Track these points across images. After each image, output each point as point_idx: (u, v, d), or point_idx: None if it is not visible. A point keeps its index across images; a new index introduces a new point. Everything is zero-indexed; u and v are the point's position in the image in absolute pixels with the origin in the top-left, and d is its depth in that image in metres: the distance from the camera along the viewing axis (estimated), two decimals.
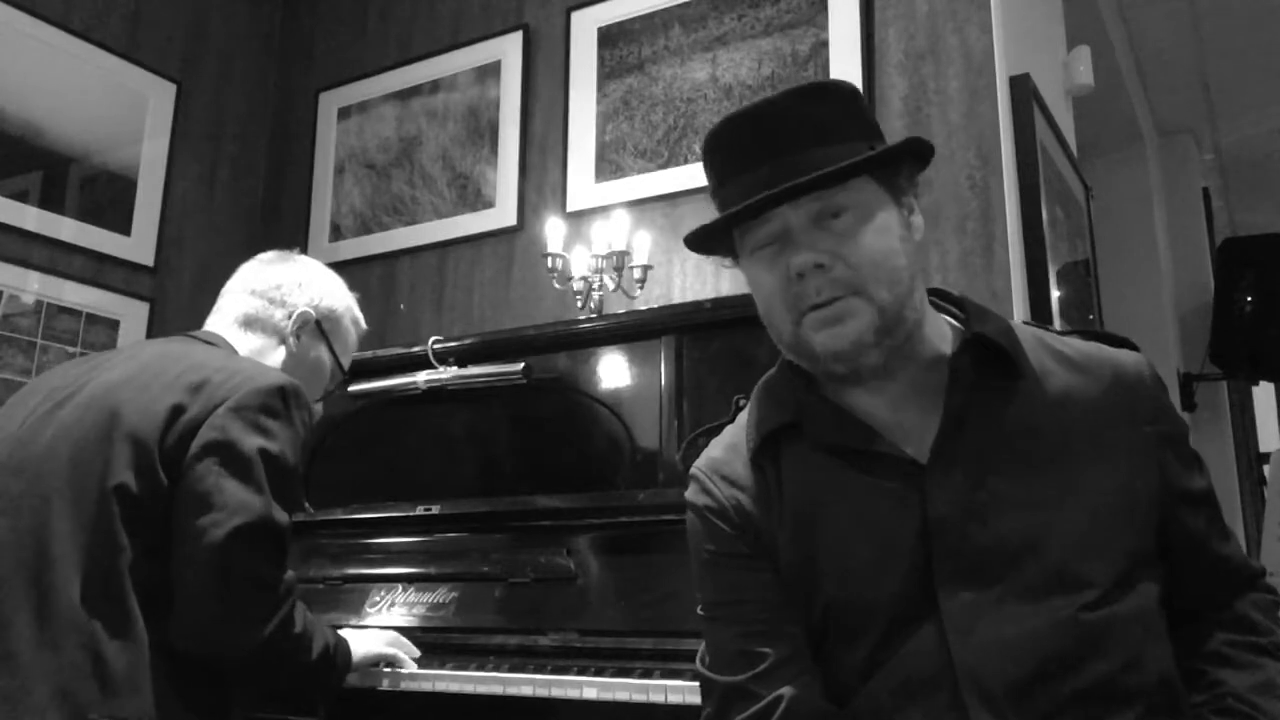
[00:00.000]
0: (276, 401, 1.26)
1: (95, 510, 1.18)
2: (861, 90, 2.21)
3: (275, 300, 1.48)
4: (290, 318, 1.47)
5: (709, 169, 1.03)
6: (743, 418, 1.09)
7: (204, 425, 1.21)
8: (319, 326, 1.50)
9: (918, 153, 0.99)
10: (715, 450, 1.09)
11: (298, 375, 1.42)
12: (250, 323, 1.46)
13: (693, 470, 1.08)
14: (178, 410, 1.22)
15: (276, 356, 1.46)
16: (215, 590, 1.18)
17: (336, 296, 1.55)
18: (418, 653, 1.56)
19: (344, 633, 1.45)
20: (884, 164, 0.96)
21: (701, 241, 1.03)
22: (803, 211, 0.94)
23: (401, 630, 1.61)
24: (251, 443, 1.22)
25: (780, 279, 0.95)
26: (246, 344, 1.44)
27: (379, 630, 1.57)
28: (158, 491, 1.20)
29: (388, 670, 1.50)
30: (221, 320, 1.47)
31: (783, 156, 0.95)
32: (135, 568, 1.18)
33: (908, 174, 1.00)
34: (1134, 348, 1.05)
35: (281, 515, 1.24)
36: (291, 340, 1.47)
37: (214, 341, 1.42)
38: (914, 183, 1.01)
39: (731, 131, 0.99)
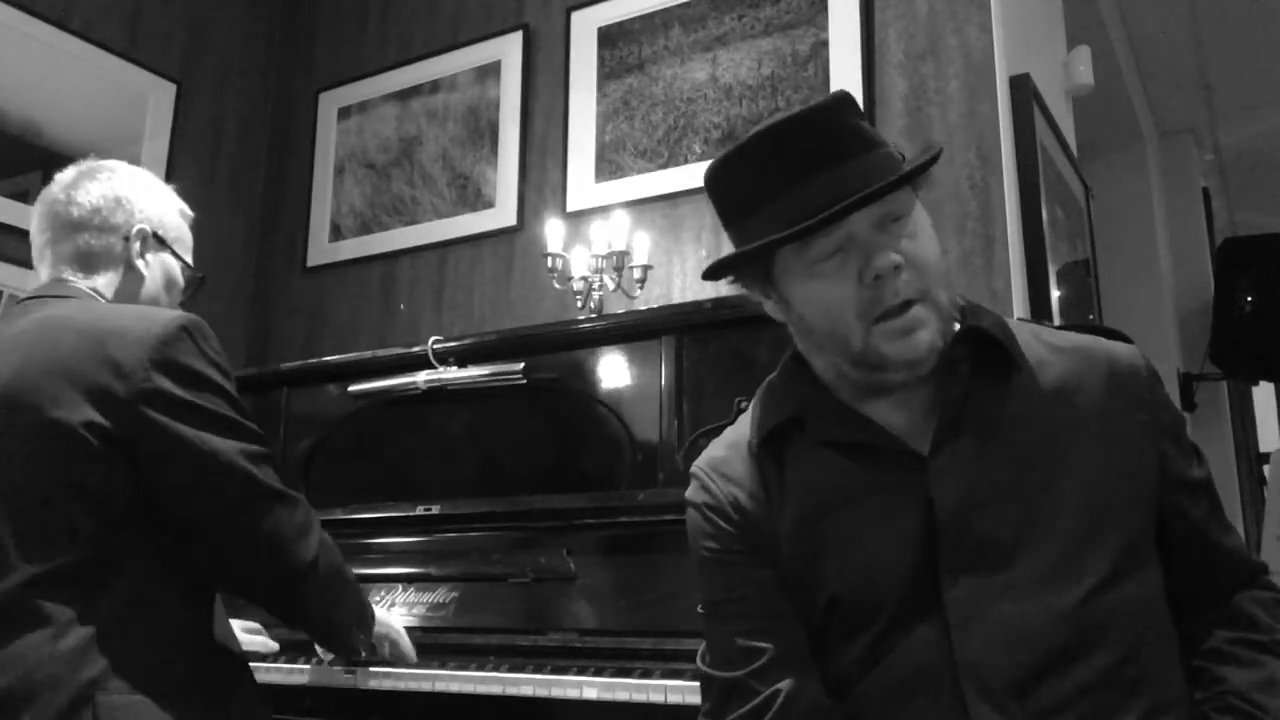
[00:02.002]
0: (186, 342, 1.22)
1: (43, 510, 1.14)
2: (861, 90, 2.23)
3: (103, 228, 1.36)
4: (127, 240, 1.38)
5: (734, 194, 0.99)
6: (744, 418, 1.09)
7: (135, 395, 1.16)
8: (157, 238, 1.41)
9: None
10: (715, 449, 1.09)
11: (157, 291, 1.38)
12: (88, 261, 1.36)
13: (693, 469, 1.09)
14: (97, 388, 1.17)
15: (131, 284, 1.38)
16: (263, 512, 1.22)
17: (159, 197, 1.44)
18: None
19: None
20: (929, 169, 0.98)
21: (729, 267, 1.01)
22: (869, 216, 0.93)
23: None
24: (191, 389, 1.20)
25: (851, 286, 0.93)
26: (97, 285, 1.36)
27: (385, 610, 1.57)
28: (108, 470, 1.16)
29: (388, 670, 1.50)
30: (58, 270, 1.36)
31: (835, 165, 0.93)
32: (108, 551, 1.16)
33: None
34: (1127, 340, 1.06)
35: (255, 429, 1.26)
36: (139, 262, 1.39)
37: (66, 294, 1.33)
38: None
39: (764, 149, 0.96)
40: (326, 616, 1.36)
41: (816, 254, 0.95)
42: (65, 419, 1.15)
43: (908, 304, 0.93)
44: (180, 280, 1.45)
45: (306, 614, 1.34)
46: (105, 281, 1.37)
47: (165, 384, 1.18)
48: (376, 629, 1.47)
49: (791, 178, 0.94)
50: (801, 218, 0.91)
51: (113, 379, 1.17)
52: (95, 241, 1.36)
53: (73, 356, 1.18)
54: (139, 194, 1.41)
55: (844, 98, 0.98)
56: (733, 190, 1.00)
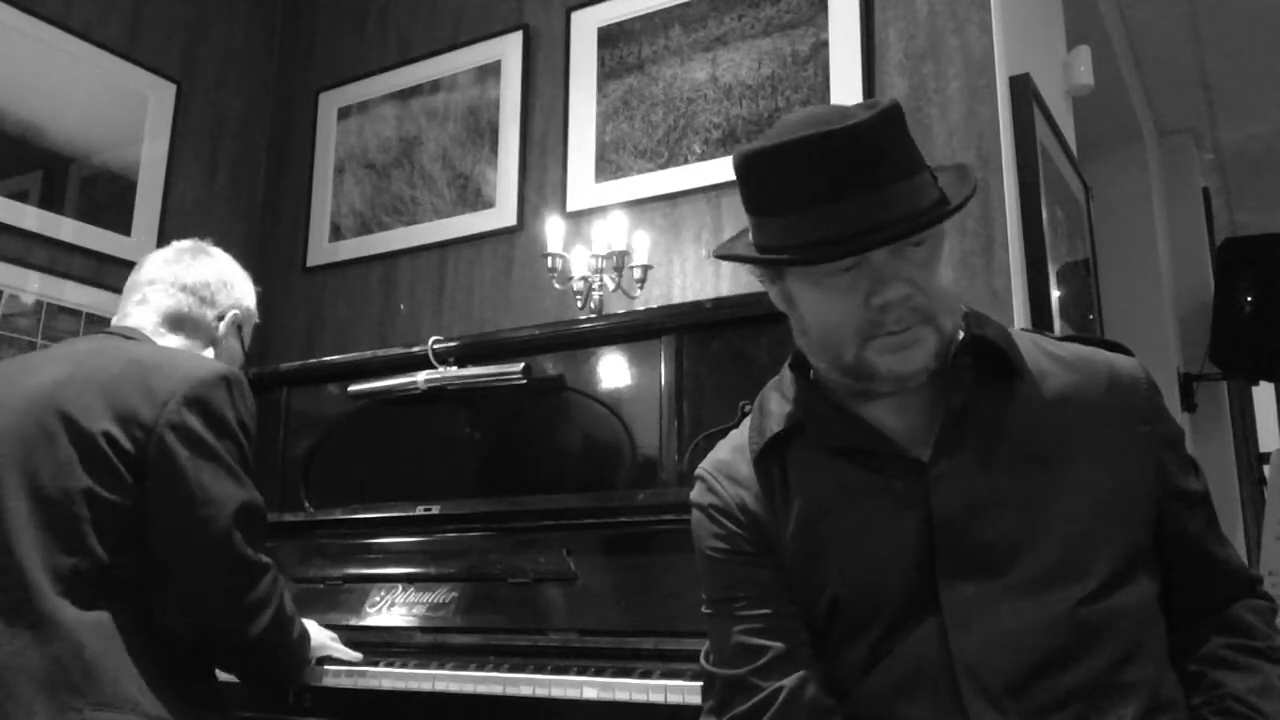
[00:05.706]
0: (223, 390, 1.30)
1: (55, 512, 1.19)
2: (861, 90, 2.22)
3: (206, 300, 1.50)
4: (221, 319, 1.51)
5: (764, 190, 0.96)
6: (748, 421, 1.10)
7: (160, 423, 1.24)
8: (239, 328, 1.55)
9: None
10: (721, 452, 1.11)
11: None
12: (179, 321, 1.47)
13: (698, 471, 1.11)
14: (128, 409, 1.24)
15: (203, 355, 1.49)
16: (223, 580, 1.26)
17: (249, 294, 1.58)
18: (355, 655, 1.57)
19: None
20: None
21: (740, 259, 1.01)
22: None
23: (401, 630, 1.61)
24: (213, 433, 1.27)
25: (857, 305, 0.93)
26: (172, 342, 1.45)
27: (316, 624, 1.58)
28: (122, 489, 1.22)
29: (388, 670, 1.50)
30: (148, 315, 1.46)
31: (868, 192, 0.90)
32: (109, 564, 1.20)
33: None
34: (1129, 353, 1.07)
35: (259, 496, 1.32)
36: (222, 341, 1.51)
37: (136, 338, 1.42)
38: None
39: (803, 157, 0.92)
40: (255, 677, 1.44)
41: (829, 268, 0.94)
42: (91, 431, 1.22)
43: (909, 327, 0.93)
44: (237, 367, 1.55)
45: (237, 671, 1.41)
46: (181, 344, 1.46)
47: (192, 420, 1.26)
48: (313, 654, 1.51)
49: (823, 195, 0.91)
50: (823, 240, 0.90)
51: (145, 405, 1.24)
52: (195, 309, 1.48)
53: (117, 380, 1.26)
54: (241, 284, 1.56)
55: (893, 112, 0.92)
56: (763, 186, 0.96)
